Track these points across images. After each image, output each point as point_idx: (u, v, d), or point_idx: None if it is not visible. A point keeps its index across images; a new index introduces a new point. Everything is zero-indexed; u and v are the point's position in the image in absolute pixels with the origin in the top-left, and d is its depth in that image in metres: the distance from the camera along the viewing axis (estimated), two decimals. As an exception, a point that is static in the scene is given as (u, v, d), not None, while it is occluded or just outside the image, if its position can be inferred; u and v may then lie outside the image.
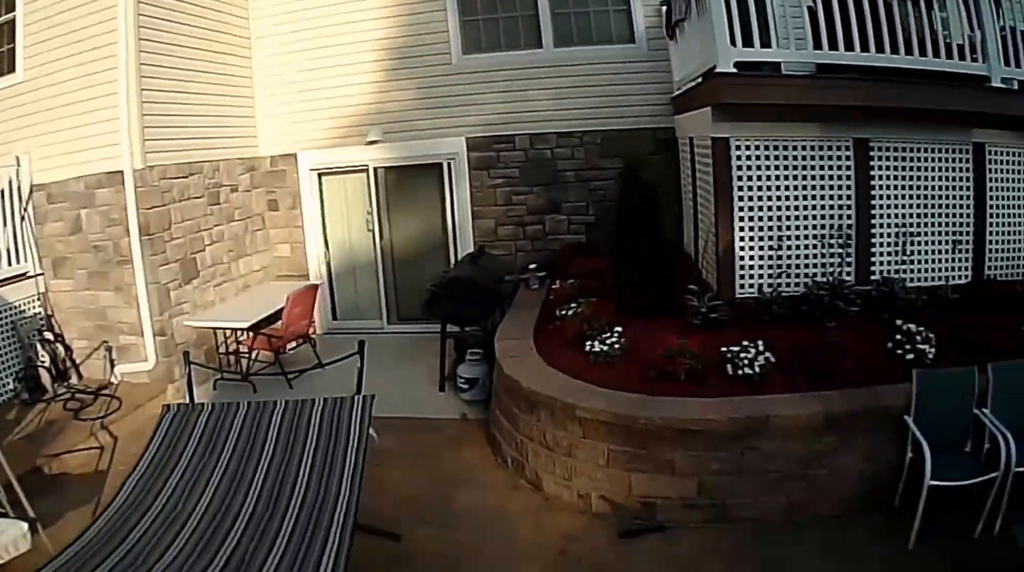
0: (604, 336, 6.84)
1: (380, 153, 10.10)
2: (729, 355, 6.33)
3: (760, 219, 7.41)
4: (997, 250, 7.74)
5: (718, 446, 5.79)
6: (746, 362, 6.23)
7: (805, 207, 7.44)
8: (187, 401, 5.91)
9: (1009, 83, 7.30)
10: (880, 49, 7.02)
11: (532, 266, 9.35)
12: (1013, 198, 7.81)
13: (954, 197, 7.64)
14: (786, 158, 7.40)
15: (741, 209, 7.37)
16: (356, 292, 10.68)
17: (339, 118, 10.17)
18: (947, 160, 7.59)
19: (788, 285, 7.38)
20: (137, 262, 8.52)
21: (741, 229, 7.39)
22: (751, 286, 7.39)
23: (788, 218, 7.44)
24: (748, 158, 7.34)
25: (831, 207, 7.46)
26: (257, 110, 10.41)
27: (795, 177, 7.41)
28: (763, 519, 5.85)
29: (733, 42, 6.94)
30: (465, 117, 9.84)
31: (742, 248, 7.40)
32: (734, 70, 6.87)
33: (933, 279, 7.54)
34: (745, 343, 6.38)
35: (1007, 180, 7.76)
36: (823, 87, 7.08)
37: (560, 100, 9.65)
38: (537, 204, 9.78)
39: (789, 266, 7.47)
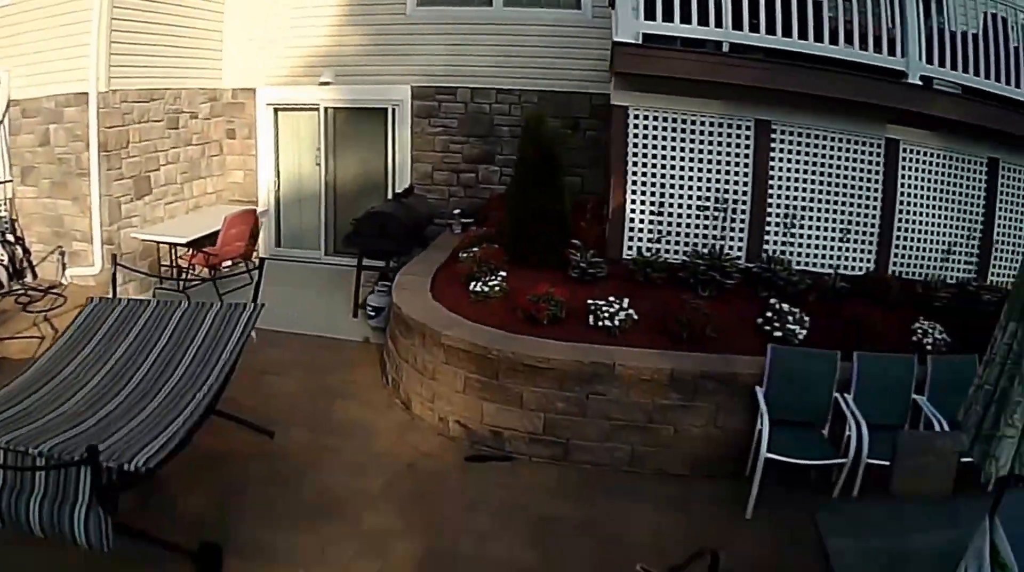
0: (488, 278, 7.34)
1: (332, 94, 10.56)
2: (593, 307, 6.81)
3: (653, 186, 7.84)
4: (906, 248, 7.96)
5: (564, 386, 6.29)
6: (607, 315, 6.70)
7: (700, 179, 7.84)
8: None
9: (929, 82, 7.52)
10: (787, 33, 7.33)
11: (457, 212, 9.84)
12: (928, 199, 8.04)
13: (861, 189, 7.92)
14: (684, 131, 7.82)
15: (634, 174, 7.80)
16: (300, 222, 11.20)
17: (297, 58, 10.62)
18: (856, 152, 7.85)
19: (674, 252, 7.85)
20: (94, 175, 9.10)
21: (633, 193, 7.81)
22: (638, 249, 7.81)
23: (682, 189, 7.86)
24: (646, 127, 7.76)
25: (727, 183, 7.86)
26: (224, 44, 10.82)
27: (692, 150, 7.82)
28: (606, 465, 6.36)
29: (636, 15, 7.26)
30: (413, 66, 10.26)
31: (632, 211, 7.84)
32: (630, 40, 7.21)
33: (826, 266, 7.86)
34: (611, 298, 6.85)
35: (923, 180, 7.94)
36: (719, 65, 7.43)
37: (504, 58, 10.03)
38: (472, 154, 10.23)
39: (677, 234, 7.90)
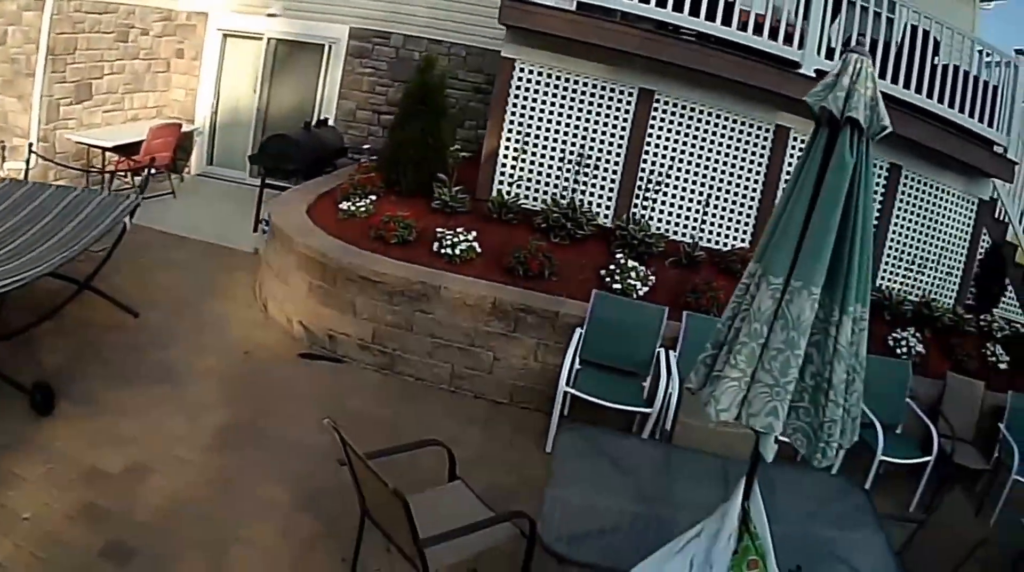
0: (357, 200, 7.79)
1: (277, 26, 11.04)
2: (439, 234, 7.27)
3: (527, 135, 8.27)
4: None
5: (394, 301, 6.81)
6: (450, 243, 7.17)
7: (573, 136, 8.29)
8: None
9: (823, 76, 7.78)
10: (678, 8, 7.69)
11: (367, 147, 10.30)
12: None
13: (744, 170, 8.27)
14: (567, 89, 8.25)
15: (511, 122, 8.24)
16: (232, 144, 11.68)
17: (250, -12, 11.06)
18: (744, 133, 8.19)
19: (540, 200, 8.27)
20: (38, 76, 9.63)
21: (507, 139, 8.24)
22: (506, 193, 8.24)
23: (554, 142, 8.30)
24: (529, 80, 8.21)
25: (602, 143, 8.31)
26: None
27: (571, 107, 8.26)
28: (427, 380, 6.87)
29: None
30: (355, 7, 10.73)
31: (504, 155, 8.25)
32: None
33: (689, 236, 8.19)
34: (459, 229, 7.28)
35: None
36: (595, 27, 7.78)
37: (440, 11, 10.47)
38: (396, 98, 10.63)
39: (544, 183, 8.31)
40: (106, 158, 10.20)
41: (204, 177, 11.64)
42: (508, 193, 8.16)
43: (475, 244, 7.22)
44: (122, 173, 10.30)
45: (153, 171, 10.00)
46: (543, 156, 8.30)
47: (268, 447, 5.52)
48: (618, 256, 7.34)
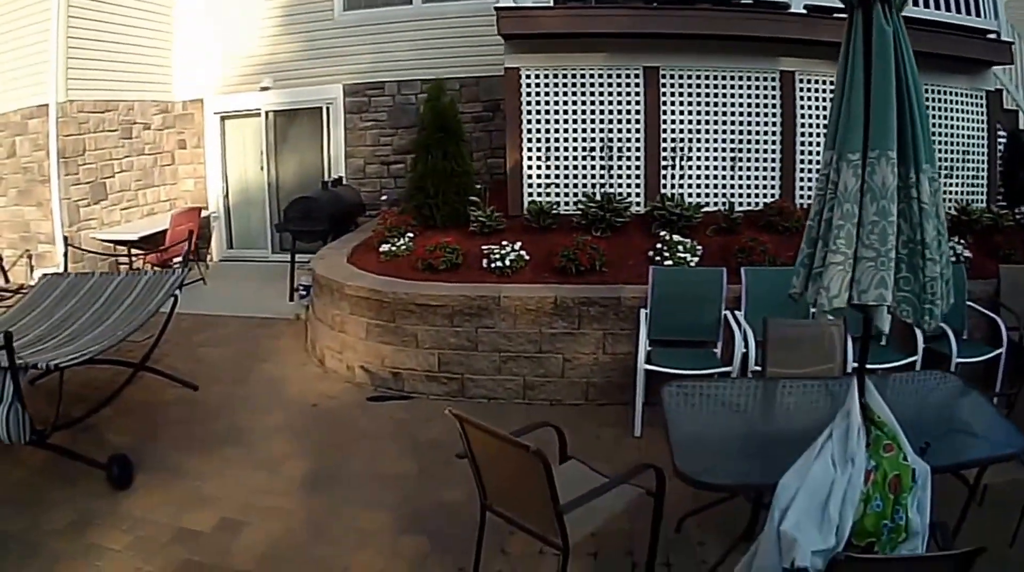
0: (396, 240, 7.47)
1: (272, 98, 10.85)
2: (487, 251, 6.97)
3: (547, 140, 8.01)
4: (810, 178, 7.90)
5: (455, 321, 6.49)
6: (498, 257, 6.86)
7: (591, 130, 8.01)
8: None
9: (813, 10, 7.52)
10: None
11: (384, 198, 9.99)
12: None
13: (759, 124, 7.99)
14: (574, 85, 7.98)
15: (529, 131, 7.98)
16: (249, 224, 11.44)
17: (239, 67, 10.94)
18: (751, 87, 7.91)
19: (573, 203, 7.95)
20: (54, 180, 9.60)
21: (529, 150, 7.96)
22: (537, 203, 7.88)
23: (575, 140, 8.05)
24: (537, 85, 7.99)
25: (619, 130, 8.01)
26: (173, 58, 11.13)
27: (583, 102, 7.99)
28: (500, 398, 6.49)
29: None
30: (343, 66, 10.54)
31: (529, 166, 7.96)
32: (509, 3, 7.40)
33: (722, 201, 7.89)
34: (504, 243, 6.97)
35: (824, 111, 7.89)
36: (589, 16, 7.67)
37: (426, 51, 10.28)
38: (401, 145, 10.43)
39: (573, 185, 8.02)
40: (132, 254, 9.90)
41: (227, 262, 11.32)
42: (541, 202, 7.79)
43: (523, 253, 6.92)
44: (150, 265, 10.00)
45: (181, 258, 9.78)
46: (566, 158, 8.01)
47: (355, 483, 5.20)
48: (662, 234, 7.07)
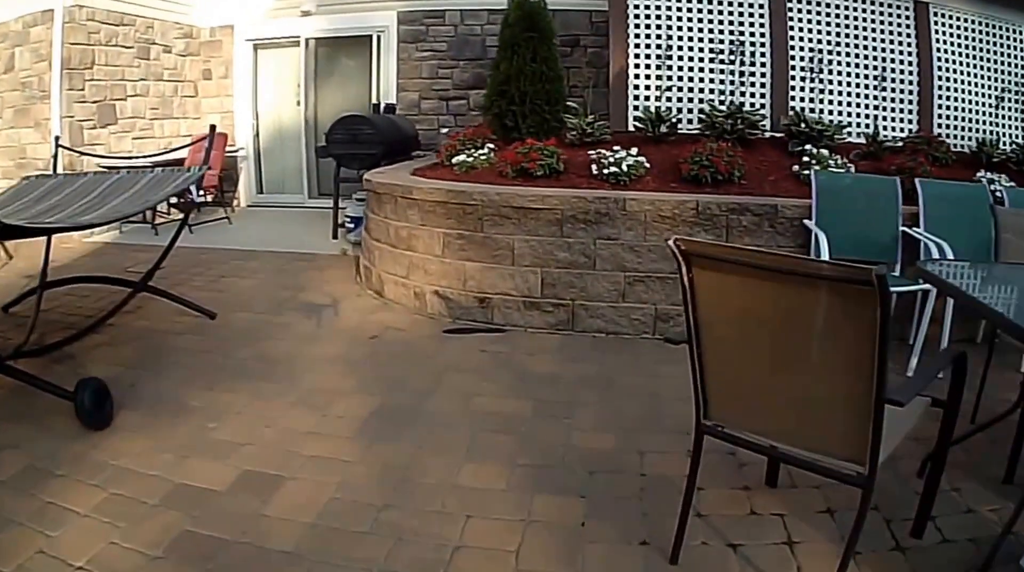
0: (472, 150, 5.77)
1: (314, 24, 9.12)
2: (596, 156, 5.30)
3: (658, 38, 6.29)
4: (949, 115, 6.52)
5: (565, 230, 4.73)
6: (613, 161, 5.09)
7: (710, 24, 6.32)
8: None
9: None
10: None
11: (445, 131, 8.21)
12: (968, 63, 6.57)
13: (894, 60, 6.46)
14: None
15: (636, 27, 6.25)
16: (282, 166, 9.68)
17: (278, -11, 9.11)
18: (882, 14, 6.43)
19: (687, 111, 6.17)
20: (55, 94, 7.80)
21: (636, 52, 6.28)
22: (650, 110, 6.13)
23: (691, 40, 6.39)
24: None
25: (740, 25, 6.31)
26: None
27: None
28: (625, 333, 4.76)
29: None
30: (399, -11, 8.72)
31: (636, 72, 6.24)
32: None
33: (862, 126, 6.36)
34: (617, 148, 5.25)
35: (960, 45, 6.56)
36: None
37: (496, -25, 8.46)
38: (463, 79, 8.71)
39: (689, 91, 6.23)
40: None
41: (256, 207, 9.50)
42: (657, 108, 6.03)
43: (642, 158, 5.12)
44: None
45: (203, 195, 7.99)
46: (679, 65, 6.29)
47: (445, 425, 3.45)
48: (807, 147, 5.42)
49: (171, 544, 2.41)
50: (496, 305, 4.84)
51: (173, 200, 8.16)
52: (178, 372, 4.02)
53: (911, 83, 6.42)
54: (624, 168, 5.06)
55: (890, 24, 6.40)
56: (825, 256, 4.06)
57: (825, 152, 5.30)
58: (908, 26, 6.39)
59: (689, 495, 2.35)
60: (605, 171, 5.09)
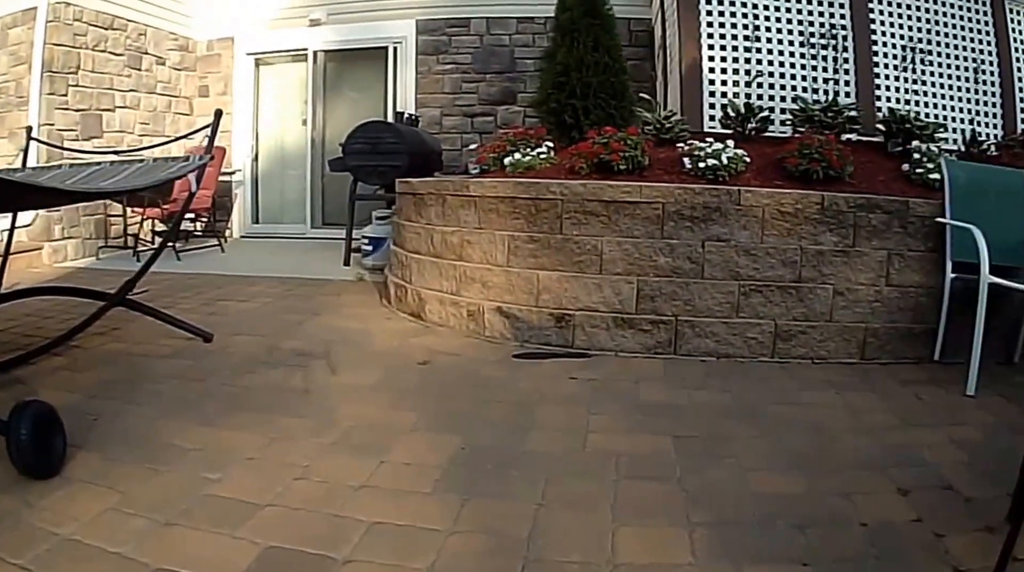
0: (529, 150, 4.67)
1: (323, 36, 8.13)
2: (688, 148, 4.22)
3: (742, 23, 5.23)
4: None
5: (666, 229, 3.63)
6: (710, 153, 4.04)
7: (801, 13, 5.28)
8: None
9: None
10: None
11: (475, 146, 7.16)
12: None
13: (976, 46, 5.52)
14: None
15: (710, 17, 5.26)
16: (281, 193, 8.57)
17: (282, -1, 8.14)
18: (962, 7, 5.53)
19: (779, 111, 5.16)
20: (34, 99, 6.76)
21: (711, 38, 5.24)
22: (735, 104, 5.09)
23: (778, 20, 5.29)
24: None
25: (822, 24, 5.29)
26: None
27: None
28: (740, 356, 3.73)
29: None
30: (417, -3, 7.78)
31: (711, 63, 5.22)
32: None
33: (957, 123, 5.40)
34: (709, 140, 4.24)
35: None
36: None
37: (526, -23, 7.58)
38: (490, 94, 7.72)
39: (781, 80, 5.24)
40: (126, 206, 7.03)
41: (251, 238, 8.35)
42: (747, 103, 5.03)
43: (741, 151, 4.09)
44: (148, 229, 7.08)
45: (193, 219, 6.91)
46: (763, 58, 5.27)
47: (566, 473, 2.34)
48: (914, 143, 4.38)
49: None
50: (578, 324, 3.73)
51: (160, 227, 7.12)
52: (161, 402, 2.86)
53: (994, 81, 5.51)
54: (724, 161, 4.02)
55: (971, 20, 5.51)
56: (984, 258, 3.08)
57: (935, 149, 4.32)
58: (986, 21, 5.52)
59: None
60: (700, 165, 4.03)
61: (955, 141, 4.95)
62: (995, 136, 5.29)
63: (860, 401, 3.03)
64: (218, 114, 4.03)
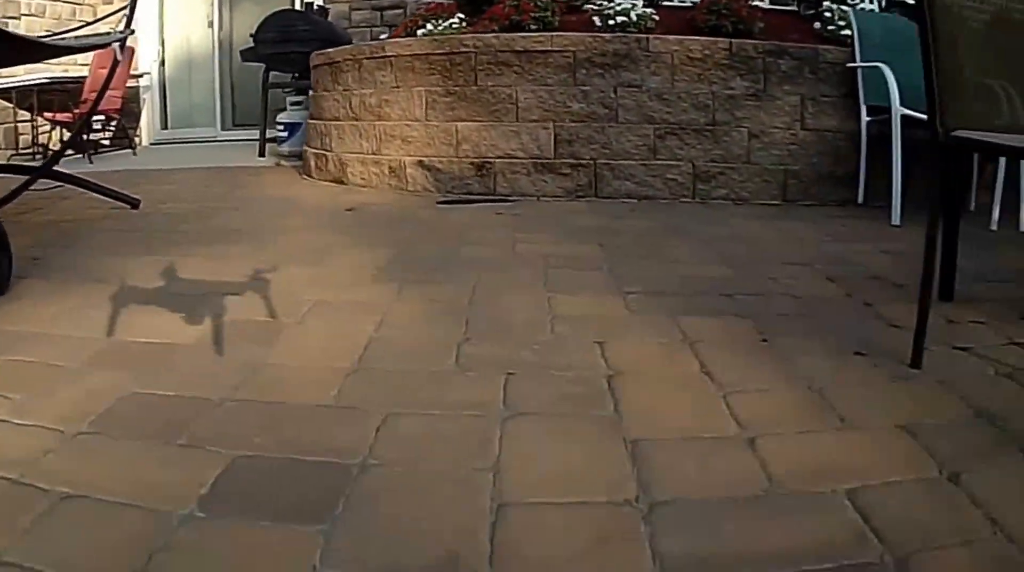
0: (441, 23, 4.64)
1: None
2: (597, 7, 4.30)
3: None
4: None
5: (579, 77, 3.72)
6: (618, 11, 4.12)
7: None
8: None
9: None
10: None
11: (384, 37, 7.06)
12: None
13: None
14: None
15: None
16: (190, 98, 8.30)
17: None
18: None
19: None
20: None
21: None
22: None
23: None
24: None
25: None
26: None
27: None
28: (659, 197, 3.86)
29: None
30: None
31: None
32: None
33: None
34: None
35: None
36: None
37: None
38: (398, -13, 7.53)
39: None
40: (35, 112, 6.71)
41: (160, 145, 8.09)
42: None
43: (650, 9, 4.22)
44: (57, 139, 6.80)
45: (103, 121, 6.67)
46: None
47: (500, 268, 2.53)
48: (826, 4, 4.47)
49: (105, 414, 1.32)
50: (499, 171, 3.85)
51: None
52: (102, 245, 2.88)
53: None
54: (633, 18, 4.12)
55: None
56: (894, 93, 3.28)
57: (847, 9, 4.53)
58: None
59: (928, 277, 1.52)
60: (610, 23, 4.13)
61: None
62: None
63: (788, 226, 3.23)
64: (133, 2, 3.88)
